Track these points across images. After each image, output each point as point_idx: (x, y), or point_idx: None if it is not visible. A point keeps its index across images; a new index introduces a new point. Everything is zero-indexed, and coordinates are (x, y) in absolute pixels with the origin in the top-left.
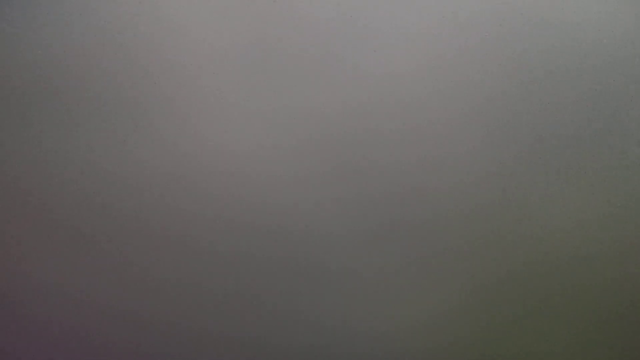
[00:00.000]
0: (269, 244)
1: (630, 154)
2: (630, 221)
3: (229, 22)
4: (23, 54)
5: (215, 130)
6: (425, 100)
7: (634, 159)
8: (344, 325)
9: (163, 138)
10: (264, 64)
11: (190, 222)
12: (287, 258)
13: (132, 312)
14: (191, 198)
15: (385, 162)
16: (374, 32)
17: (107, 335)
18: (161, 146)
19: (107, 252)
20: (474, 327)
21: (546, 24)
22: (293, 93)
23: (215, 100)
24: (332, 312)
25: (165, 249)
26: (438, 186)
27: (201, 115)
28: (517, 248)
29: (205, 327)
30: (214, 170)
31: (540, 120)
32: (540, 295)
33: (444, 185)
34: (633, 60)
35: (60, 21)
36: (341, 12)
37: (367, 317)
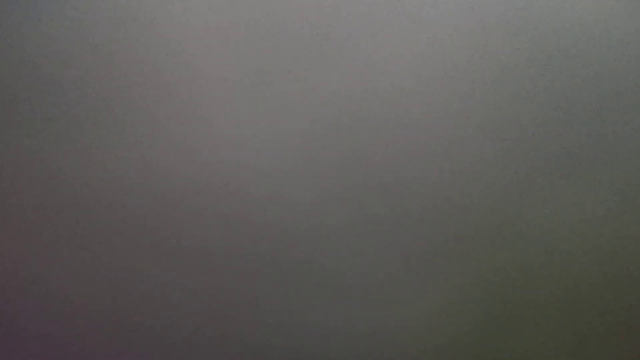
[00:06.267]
0: (274, 239)
1: (629, 152)
2: (628, 219)
3: (234, 13)
4: (26, 52)
5: (222, 123)
6: (425, 89)
7: (633, 158)
8: (340, 322)
9: (169, 133)
10: (269, 52)
11: (197, 219)
12: (290, 253)
13: (134, 313)
14: (199, 194)
15: (384, 152)
16: (376, 18)
17: (103, 336)
18: (168, 142)
19: (114, 250)
20: (471, 325)
21: (550, 16)
22: (295, 82)
23: (222, 94)
24: (329, 307)
25: (172, 246)
26: (437, 180)
27: (208, 108)
28: (515, 245)
29: (207, 325)
30: (222, 164)
31: (539, 113)
32: (538, 293)
33: (442, 178)
34: (635, 58)
35: (65, 18)
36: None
37: (364, 314)
